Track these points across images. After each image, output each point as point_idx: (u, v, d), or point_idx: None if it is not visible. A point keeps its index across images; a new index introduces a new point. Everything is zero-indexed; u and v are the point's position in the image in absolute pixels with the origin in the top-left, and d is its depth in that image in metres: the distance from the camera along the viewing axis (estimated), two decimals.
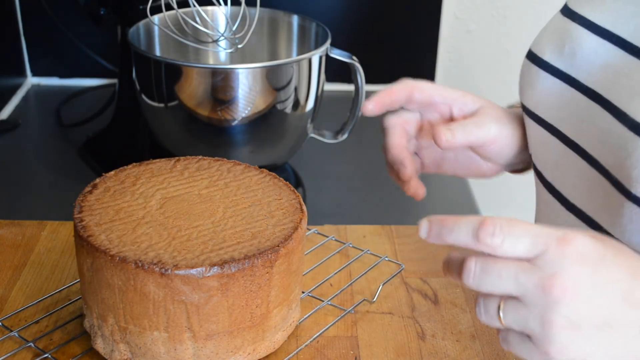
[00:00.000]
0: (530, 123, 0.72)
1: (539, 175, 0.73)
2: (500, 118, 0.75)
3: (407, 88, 0.76)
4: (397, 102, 0.76)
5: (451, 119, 0.76)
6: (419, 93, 0.76)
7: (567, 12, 0.70)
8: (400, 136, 0.76)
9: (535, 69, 0.70)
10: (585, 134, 0.65)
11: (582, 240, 0.48)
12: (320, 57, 0.96)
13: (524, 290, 0.48)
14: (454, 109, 0.76)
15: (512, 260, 0.49)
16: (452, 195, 1.12)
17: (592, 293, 0.47)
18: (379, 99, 0.74)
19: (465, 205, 1.08)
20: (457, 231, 0.51)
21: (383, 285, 0.81)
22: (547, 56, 0.69)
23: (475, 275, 0.51)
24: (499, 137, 0.74)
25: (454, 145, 0.72)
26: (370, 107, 0.74)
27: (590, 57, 0.65)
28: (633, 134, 0.58)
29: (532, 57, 0.72)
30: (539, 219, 0.75)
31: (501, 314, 0.49)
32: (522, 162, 0.79)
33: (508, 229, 0.49)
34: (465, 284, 0.51)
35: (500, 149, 0.75)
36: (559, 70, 0.68)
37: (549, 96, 0.69)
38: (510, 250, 0.49)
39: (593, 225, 0.64)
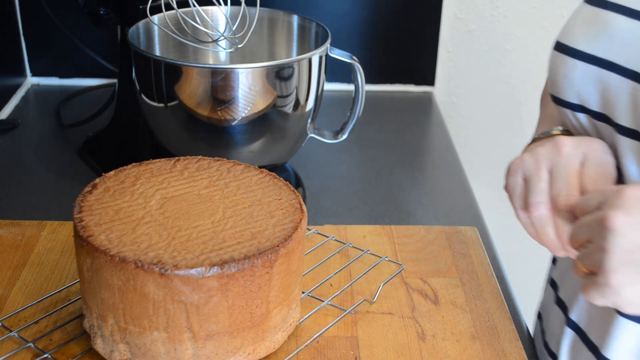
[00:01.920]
0: (568, 113, 0.72)
1: None
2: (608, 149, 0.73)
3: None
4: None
5: None
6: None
7: (596, 2, 0.70)
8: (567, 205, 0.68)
9: (569, 59, 0.70)
10: (633, 115, 0.65)
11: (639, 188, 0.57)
12: (320, 57, 0.96)
13: (590, 229, 0.58)
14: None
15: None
16: (452, 195, 1.12)
17: None
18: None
19: (465, 205, 1.08)
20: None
21: (383, 285, 0.81)
22: (582, 45, 0.69)
23: (571, 234, 0.61)
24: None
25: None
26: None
27: (629, 40, 0.66)
28: None
29: (562, 48, 0.71)
30: None
31: (579, 260, 0.59)
32: None
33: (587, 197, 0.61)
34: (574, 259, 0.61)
35: None
36: (595, 57, 0.68)
37: (588, 84, 0.69)
38: (583, 205, 0.61)
39: None
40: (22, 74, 1.41)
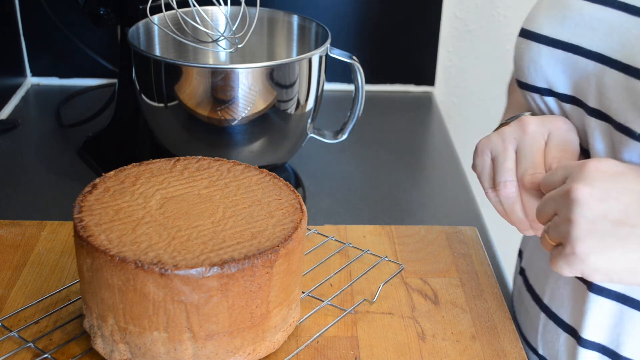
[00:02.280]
0: (536, 98, 0.73)
1: None
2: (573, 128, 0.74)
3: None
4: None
5: None
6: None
7: None
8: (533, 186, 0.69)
9: (534, 45, 0.71)
10: (597, 95, 0.67)
11: (606, 160, 0.60)
12: (320, 57, 0.96)
13: (555, 203, 0.60)
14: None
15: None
16: (452, 195, 1.12)
17: (606, 195, 0.58)
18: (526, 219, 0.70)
19: (465, 205, 1.08)
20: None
21: (383, 285, 0.81)
22: (546, 30, 0.71)
23: (537, 210, 0.64)
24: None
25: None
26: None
27: (593, 24, 0.67)
28: None
29: (527, 34, 0.73)
30: None
31: (546, 233, 0.61)
32: None
33: (551, 173, 0.63)
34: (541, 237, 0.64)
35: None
36: (560, 42, 0.69)
37: (555, 68, 0.70)
38: (549, 180, 0.63)
39: None
40: (22, 74, 1.41)
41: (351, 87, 1.00)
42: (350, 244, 0.88)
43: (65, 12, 1.30)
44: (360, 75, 0.98)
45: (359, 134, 1.24)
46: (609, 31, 0.66)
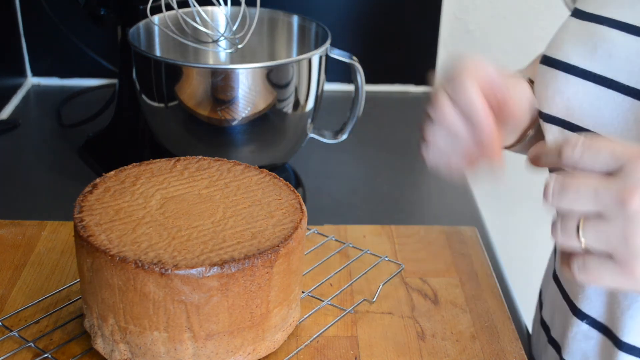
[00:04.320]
0: (556, 131, 0.69)
1: None
2: (525, 88, 0.71)
3: (481, 97, 0.65)
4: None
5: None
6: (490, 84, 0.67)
7: (588, 16, 0.68)
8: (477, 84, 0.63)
9: (561, 74, 0.67)
10: (635, 135, 0.63)
11: None
12: (320, 57, 0.96)
13: (603, 205, 0.47)
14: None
15: (593, 175, 0.48)
16: (452, 195, 1.12)
17: None
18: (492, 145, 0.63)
19: (465, 205, 1.08)
20: (549, 151, 0.52)
21: (383, 285, 0.81)
22: (575, 60, 0.66)
23: (554, 193, 0.49)
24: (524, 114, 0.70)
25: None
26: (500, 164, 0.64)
27: (630, 57, 0.63)
28: None
29: (552, 62, 0.69)
30: None
31: (581, 232, 0.49)
32: (515, 136, 0.76)
33: (589, 143, 0.49)
34: (545, 203, 0.50)
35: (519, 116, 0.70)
36: (592, 74, 0.65)
37: (583, 102, 0.66)
38: (590, 163, 0.49)
39: None
40: (23, 74, 1.41)
41: (351, 87, 0.99)
42: (350, 244, 0.88)
43: (66, 12, 1.30)
44: (360, 75, 0.98)
45: (359, 134, 1.24)
46: None
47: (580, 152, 0.49)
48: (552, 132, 0.70)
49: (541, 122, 0.71)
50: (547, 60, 0.69)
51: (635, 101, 0.63)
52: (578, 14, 0.70)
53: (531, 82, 0.74)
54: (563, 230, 0.50)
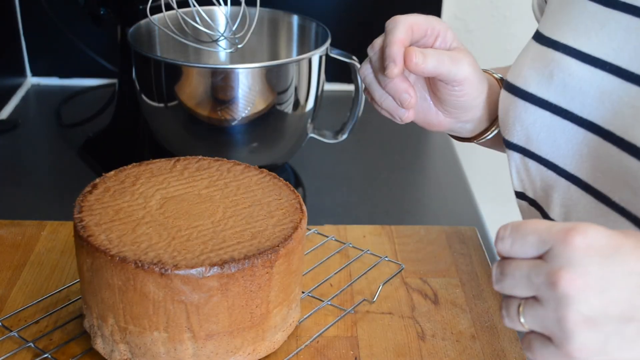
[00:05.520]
0: (517, 158, 0.70)
1: (544, 214, 0.70)
2: (474, 65, 0.72)
3: (408, 29, 0.71)
4: (408, 45, 0.71)
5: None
6: (416, 27, 0.72)
7: (546, 41, 0.68)
8: (406, 34, 0.69)
9: (521, 102, 0.67)
10: (589, 168, 0.62)
11: (593, 231, 0.47)
12: (320, 57, 0.96)
13: (536, 288, 0.47)
14: (437, 41, 0.73)
15: (527, 260, 0.48)
16: (452, 195, 1.12)
17: (605, 284, 0.46)
18: (397, 57, 0.68)
19: (465, 205, 1.08)
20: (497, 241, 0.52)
21: (383, 285, 0.81)
22: (533, 88, 0.66)
23: (496, 279, 0.50)
24: (468, 80, 0.71)
25: (423, 70, 0.68)
26: (395, 72, 0.68)
27: (583, 87, 0.63)
28: None
29: (513, 89, 0.69)
30: None
31: (521, 317, 0.49)
32: (473, 126, 0.77)
33: (516, 230, 0.49)
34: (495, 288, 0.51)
35: (465, 93, 0.72)
36: (548, 103, 0.65)
37: (541, 131, 0.66)
38: (520, 250, 0.49)
39: None
40: (22, 74, 1.41)
41: (351, 87, 0.99)
42: (350, 244, 0.88)
43: (66, 12, 1.30)
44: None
45: (359, 134, 1.24)
46: (600, 97, 0.61)
47: (510, 243, 0.49)
48: (513, 159, 0.71)
49: (505, 148, 0.71)
50: (508, 86, 0.70)
51: (588, 133, 0.62)
52: (538, 37, 0.70)
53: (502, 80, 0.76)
54: (507, 313, 0.50)
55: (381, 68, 0.70)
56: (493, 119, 0.75)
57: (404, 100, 0.69)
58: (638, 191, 0.58)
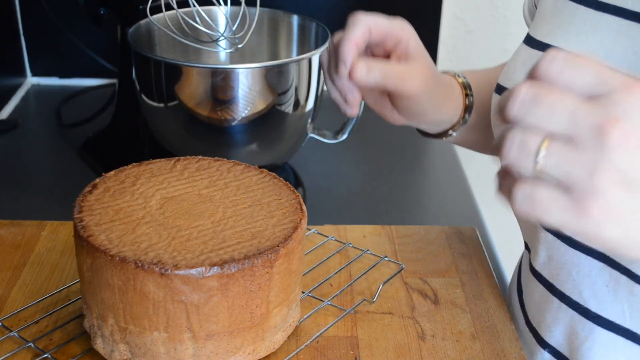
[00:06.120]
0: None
1: None
2: (428, 77, 0.73)
3: (365, 31, 0.73)
4: (363, 46, 0.74)
5: (387, 56, 0.75)
6: (375, 30, 0.74)
7: (537, 44, 0.68)
8: (362, 35, 0.72)
9: None
10: None
11: None
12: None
13: (578, 129, 0.41)
14: (397, 47, 0.74)
15: (573, 95, 0.42)
16: (452, 195, 1.12)
17: None
18: (347, 58, 0.71)
19: (465, 205, 1.08)
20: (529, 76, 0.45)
21: (383, 285, 0.81)
22: None
23: (524, 102, 0.42)
24: (417, 94, 0.72)
25: (365, 83, 0.70)
26: (344, 72, 0.72)
27: None
28: None
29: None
30: None
31: (542, 154, 0.42)
32: (429, 127, 0.80)
33: (573, 58, 0.42)
34: (509, 114, 0.43)
35: (414, 104, 0.74)
36: None
37: None
38: (569, 80, 0.42)
39: None
40: (22, 74, 1.41)
41: None
42: (350, 244, 0.88)
43: (65, 12, 1.30)
44: None
45: (359, 134, 1.24)
46: None
47: (560, 67, 0.42)
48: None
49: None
50: (499, 90, 0.70)
51: None
52: (529, 40, 0.70)
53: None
54: (521, 146, 0.42)
55: (334, 63, 0.73)
56: (454, 122, 0.77)
57: (347, 100, 0.75)
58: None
